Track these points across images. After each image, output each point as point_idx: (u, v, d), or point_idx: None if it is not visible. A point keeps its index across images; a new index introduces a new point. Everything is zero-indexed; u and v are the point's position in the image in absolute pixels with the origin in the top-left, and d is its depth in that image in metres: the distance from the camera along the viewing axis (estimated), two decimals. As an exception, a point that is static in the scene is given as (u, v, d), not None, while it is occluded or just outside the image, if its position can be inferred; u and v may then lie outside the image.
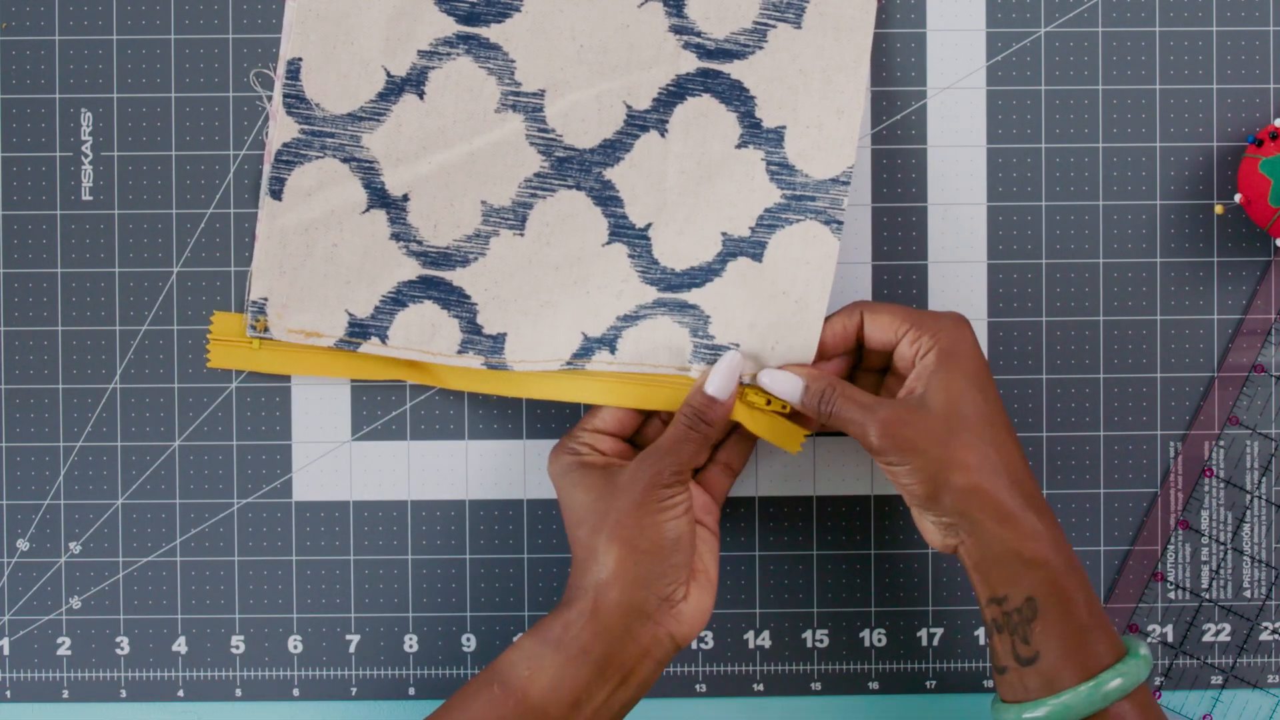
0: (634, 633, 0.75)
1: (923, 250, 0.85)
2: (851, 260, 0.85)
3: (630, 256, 0.82)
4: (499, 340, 0.82)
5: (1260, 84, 0.85)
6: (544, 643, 0.75)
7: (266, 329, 0.81)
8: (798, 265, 0.82)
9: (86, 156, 0.84)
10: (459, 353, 0.82)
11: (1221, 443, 0.85)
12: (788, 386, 0.78)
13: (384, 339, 0.82)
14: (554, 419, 0.85)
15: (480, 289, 0.82)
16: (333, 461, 0.85)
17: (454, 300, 0.82)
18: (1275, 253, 0.85)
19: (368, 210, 0.81)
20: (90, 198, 0.84)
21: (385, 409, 0.85)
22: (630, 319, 0.81)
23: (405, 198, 0.82)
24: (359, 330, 0.81)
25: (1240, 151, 0.84)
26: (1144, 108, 0.85)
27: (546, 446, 0.85)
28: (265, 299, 0.81)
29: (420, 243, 0.82)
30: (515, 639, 0.75)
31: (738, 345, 0.81)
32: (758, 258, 0.82)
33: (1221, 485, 0.85)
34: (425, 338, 0.82)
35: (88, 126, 0.84)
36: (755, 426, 0.80)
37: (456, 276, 0.82)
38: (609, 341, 0.81)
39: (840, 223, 0.82)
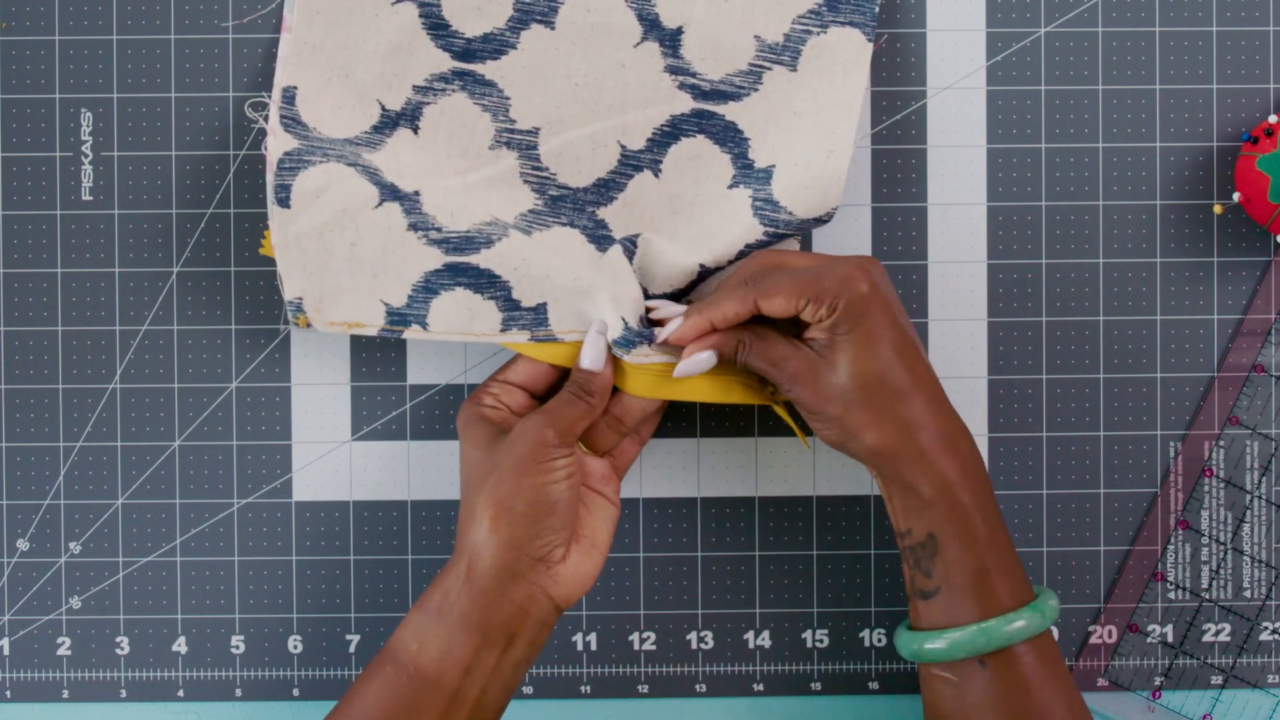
0: (508, 593, 0.75)
1: (923, 250, 0.85)
2: (851, 260, 0.85)
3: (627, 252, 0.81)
4: (540, 311, 0.80)
5: (1260, 84, 0.85)
6: (427, 613, 0.75)
7: (309, 325, 0.80)
8: None
9: (86, 156, 0.84)
10: (502, 331, 0.80)
11: (1221, 443, 0.85)
12: (702, 361, 0.77)
13: (425, 326, 0.80)
14: (554, 419, 0.85)
15: (509, 268, 0.80)
16: (333, 461, 0.85)
17: (484, 283, 0.80)
18: (1275, 251, 0.85)
19: (380, 205, 0.80)
20: (90, 198, 0.84)
21: (385, 409, 0.85)
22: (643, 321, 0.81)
23: (417, 193, 0.81)
24: (398, 319, 0.80)
25: (1239, 151, 0.84)
26: (1144, 108, 0.85)
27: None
28: (300, 298, 0.80)
29: (440, 229, 0.80)
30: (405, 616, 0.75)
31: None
32: None
33: (1221, 485, 0.85)
34: (464, 322, 0.80)
35: (88, 126, 0.84)
36: (701, 394, 0.79)
37: (483, 259, 0.80)
38: (647, 337, 0.81)
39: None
